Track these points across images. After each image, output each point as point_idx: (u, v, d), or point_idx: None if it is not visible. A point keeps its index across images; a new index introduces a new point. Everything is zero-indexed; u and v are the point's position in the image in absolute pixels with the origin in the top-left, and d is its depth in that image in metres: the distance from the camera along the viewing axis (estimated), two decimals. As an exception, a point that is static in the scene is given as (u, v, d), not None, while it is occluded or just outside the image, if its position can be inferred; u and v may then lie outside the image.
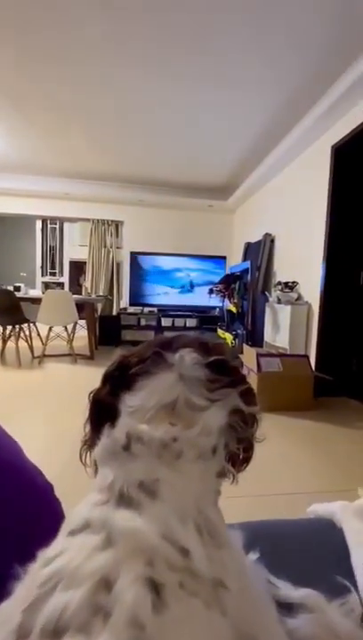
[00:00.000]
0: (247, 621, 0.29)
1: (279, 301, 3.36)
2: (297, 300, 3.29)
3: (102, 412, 0.41)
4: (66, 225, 5.63)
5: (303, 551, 0.57)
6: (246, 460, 0.44)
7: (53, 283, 5.60)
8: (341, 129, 2.76)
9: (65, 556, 0.27)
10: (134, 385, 0.40)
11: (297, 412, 2.50)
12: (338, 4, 1.86)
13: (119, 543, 0.27)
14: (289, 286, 3.38)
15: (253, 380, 2.70)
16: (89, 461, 0.44)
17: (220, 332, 4.66)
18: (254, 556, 0.47)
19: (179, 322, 5.28)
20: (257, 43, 2.17)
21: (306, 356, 2.69)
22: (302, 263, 3.34)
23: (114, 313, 5.35)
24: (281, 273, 3.84)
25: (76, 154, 4.06)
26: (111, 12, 1.97)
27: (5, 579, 0.28)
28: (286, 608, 0.42)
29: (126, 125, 3.33)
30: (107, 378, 0.43)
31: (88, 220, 5.37)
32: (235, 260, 5.35)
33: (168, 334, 0.48)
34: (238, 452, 0.42)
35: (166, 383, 0.39)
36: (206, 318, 5.26)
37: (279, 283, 3.49)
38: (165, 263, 5.38)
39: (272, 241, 4.06)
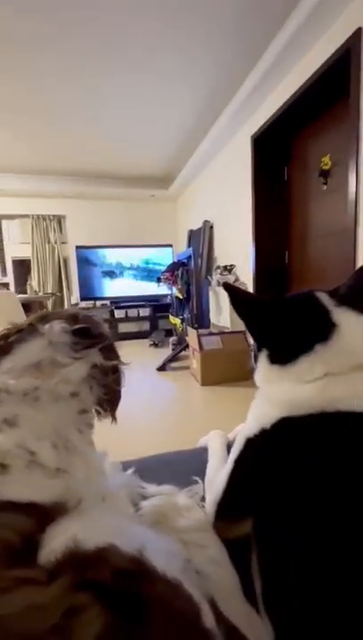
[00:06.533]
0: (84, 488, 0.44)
1: (219, 284, 3.60)
2: (235, 281, 3.54)
3: None
4: (4, 222, 5.40)
5: (183, 469, 0.75)
6: (112, 402, 0.59)
7: (-3, 284, 5.39)
8: (258, 120, 2.98)
9: None
10: (12, 350, 0.52)
11: (238, 382, 2.76)
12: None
13: None
14: (227, 269, 3.63)
15: (197, 359, 2.92)
16: None
17: (171, 317, 4.84)
18: (129, 471, 0.65)
19: (132, 312, 5.37)
20: (172, 35, 2.28)
21: (242, 332, 2.96)
22: (237, 247, 3.59)
23: (65, 309, 5.30)
24: (221, 257, 4.07)
25: (2, 147, 3.91)
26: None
27: None
28: (147, 500, 0.59)
29: (56, 117, 3.28)
30: None
31: (27, 216, 5.21)
32: (181, 248, 5.52)
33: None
34: (106, 397, 0.57)
35: (37, 348, 0.51)
36: (159, 306, 5.41)
37: (219, 267, 3.73)
38: (113, 254, 5.41)
39: (211, 227, 4.27)
